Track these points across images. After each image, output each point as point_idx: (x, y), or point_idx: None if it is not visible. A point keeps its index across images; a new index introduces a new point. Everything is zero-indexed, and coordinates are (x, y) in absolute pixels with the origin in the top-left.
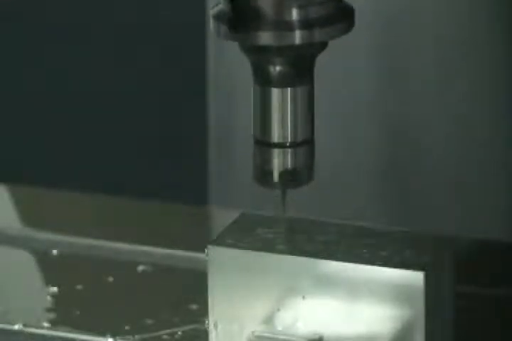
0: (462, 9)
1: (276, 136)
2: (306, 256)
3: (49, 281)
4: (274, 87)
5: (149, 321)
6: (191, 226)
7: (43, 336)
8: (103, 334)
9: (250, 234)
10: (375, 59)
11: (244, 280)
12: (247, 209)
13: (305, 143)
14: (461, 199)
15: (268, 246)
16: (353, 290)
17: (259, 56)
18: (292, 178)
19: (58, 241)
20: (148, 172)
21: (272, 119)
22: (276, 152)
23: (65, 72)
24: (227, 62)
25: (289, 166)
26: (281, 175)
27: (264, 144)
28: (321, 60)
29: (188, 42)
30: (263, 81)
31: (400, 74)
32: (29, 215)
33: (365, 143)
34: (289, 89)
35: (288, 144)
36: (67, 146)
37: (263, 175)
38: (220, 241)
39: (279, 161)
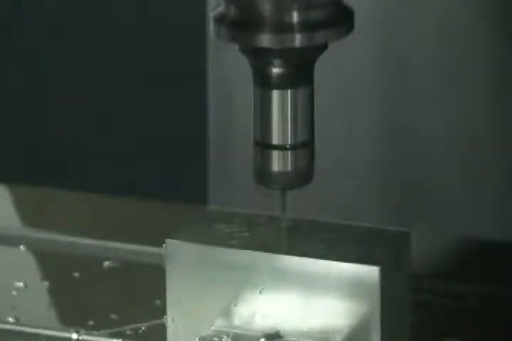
0: (462, 9)
1: (276, 138)
2: (263, 251)
3: (15, 277)
4: (274, 89)
5: (113, 316)
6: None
7: (8, 331)
8: (67, 329)
9: (210, 229)
10: (376, 52)
11: (202, 274)
12: (247, 210)
13: (305, 145)
14: (462, 197)
15: (226, 241)
16: (310, 284)
17: (259, 58)
18: (292, 180)
19: (58, 241)
20: (148, 172)
21: (272, 121)
22: (276, 154)
23: (65, 72)
24: (227, 62)
25: (289, 168)
26: (280, 176)
27: (264, 146)
28: (322, 55)
29: (188, 42)
30: (263, 83)
31: (400, 68)
32: (29, 215)
33: (365, 140)
34: (289, 91)
35: (288, 146)
36: (67, 146)
37: (263, 176)
38: (178, 236)
39: (278, 163)
